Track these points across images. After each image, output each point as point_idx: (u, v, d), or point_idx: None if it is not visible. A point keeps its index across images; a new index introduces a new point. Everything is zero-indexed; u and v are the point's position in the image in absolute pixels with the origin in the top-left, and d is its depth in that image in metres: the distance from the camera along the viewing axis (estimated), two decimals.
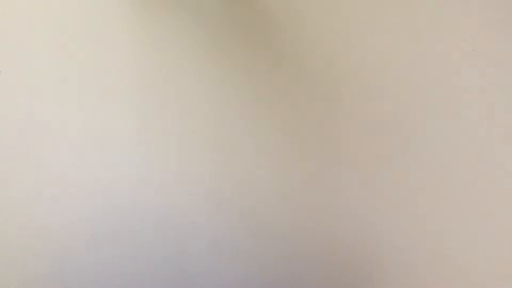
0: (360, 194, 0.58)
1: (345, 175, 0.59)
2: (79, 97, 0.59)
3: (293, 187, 0.59)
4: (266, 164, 0.59)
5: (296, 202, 0.59)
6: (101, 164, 0.59)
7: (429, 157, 0.58)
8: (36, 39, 0.60)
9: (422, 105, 0.59)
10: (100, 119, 0.59)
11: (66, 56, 0.60)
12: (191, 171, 0.59)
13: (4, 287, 0.57)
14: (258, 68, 0.60)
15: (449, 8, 0.60)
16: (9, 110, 0.59)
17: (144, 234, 0.58)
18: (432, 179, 0.58)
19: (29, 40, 0.60)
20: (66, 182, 0.58)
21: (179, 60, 0.61)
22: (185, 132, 0.59)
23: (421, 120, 0.59)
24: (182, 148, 0.59)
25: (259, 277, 0.58)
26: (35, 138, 0.59)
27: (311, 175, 0.59)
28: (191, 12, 0.61)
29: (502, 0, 0.60)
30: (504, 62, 0.59)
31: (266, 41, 0.61)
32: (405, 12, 0.60)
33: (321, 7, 0.61)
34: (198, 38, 0.61)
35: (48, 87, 0.59)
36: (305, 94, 0.60)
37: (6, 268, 0.57)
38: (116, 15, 0.61)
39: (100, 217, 0.58)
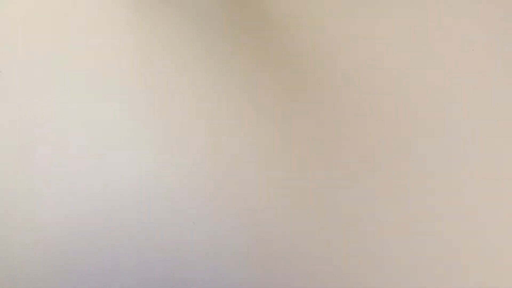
0: (360, 195, 0.58)
1: (345, 177, 0.59)
2: (79, 97, 0.59)
3: (293, 188, 0.59)
4: (266, 165, 0.59)
5: (296, 202, 0.59)
6: (101, 164, 0.59)
7: (429, 157, 0.58)
8: (36, 39, 0.60)
9: (422, 105, 0.59)
10: (100, 119, 0.59)
11: (66, 57, 0.60)
12: (191, 172, 0.59)
13: (4, 287, 0.57)
14: (259, 70, 0.60)
15: (449, 8, 0.60)
16: (9, 110, 0.59)
17: (144, 234, 0.58)
18: (432, 180, 0.58)
19: (29, 40, 0.60)
20: (66, 182, 0.58)
21: (179, 60, 0.61)
22: (185, 132, 0.60)
23: (421, 120, 0.59)
24: (182, 149, 0.59)
25: (259, 277, 0.58)
26: (35, 138, 0.59)
27: (311, 176, 0.59)
28: (192, 13, 0.61)
29: (502, 0, 0.60)
30: (504, 62, 0.59)
31: (267, 43, 0.61)
32: (405, 12, 0.60)
33: (322, 7, 0.61)
34: (200, 39, 0.61)
35: (48, 87, 0.59)
36: (306, 96, 0.60)
37: (6, 268, 0.57)
38: (116, 15, 0.61)
39: (100, 217, 0.58)
